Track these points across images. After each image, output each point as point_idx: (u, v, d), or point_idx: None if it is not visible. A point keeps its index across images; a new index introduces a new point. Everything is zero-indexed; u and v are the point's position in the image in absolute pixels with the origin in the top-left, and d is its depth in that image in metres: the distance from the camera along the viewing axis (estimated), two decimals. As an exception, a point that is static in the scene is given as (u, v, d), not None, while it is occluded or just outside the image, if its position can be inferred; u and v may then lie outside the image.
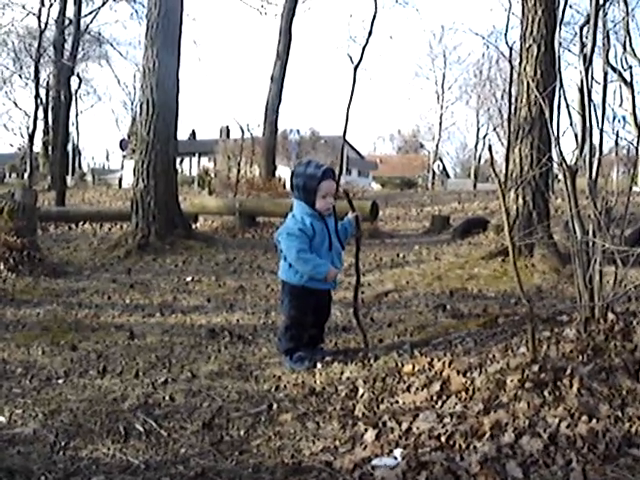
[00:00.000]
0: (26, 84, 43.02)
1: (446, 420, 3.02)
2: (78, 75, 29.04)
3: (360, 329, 4.59)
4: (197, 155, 38.81)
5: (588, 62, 3.90)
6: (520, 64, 8.61)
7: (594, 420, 2.80)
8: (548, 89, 5.79)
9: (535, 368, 3.27)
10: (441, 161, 52.32)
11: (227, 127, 40.40)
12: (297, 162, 4.47)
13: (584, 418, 2.81)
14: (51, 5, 34.09)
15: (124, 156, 34.73)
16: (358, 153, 62.39)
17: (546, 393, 3.08)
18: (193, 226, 12.36)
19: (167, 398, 3.78)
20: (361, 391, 3.68)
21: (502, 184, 3.65)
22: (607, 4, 4.22)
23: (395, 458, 2.76)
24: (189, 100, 76.62)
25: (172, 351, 4.82)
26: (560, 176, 3.88)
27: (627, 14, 4.19)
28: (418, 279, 7.48)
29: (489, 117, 47.89)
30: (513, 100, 12.03)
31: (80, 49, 32.14)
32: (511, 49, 24.26)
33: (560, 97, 4.05)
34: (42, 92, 39.41)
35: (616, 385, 3.07)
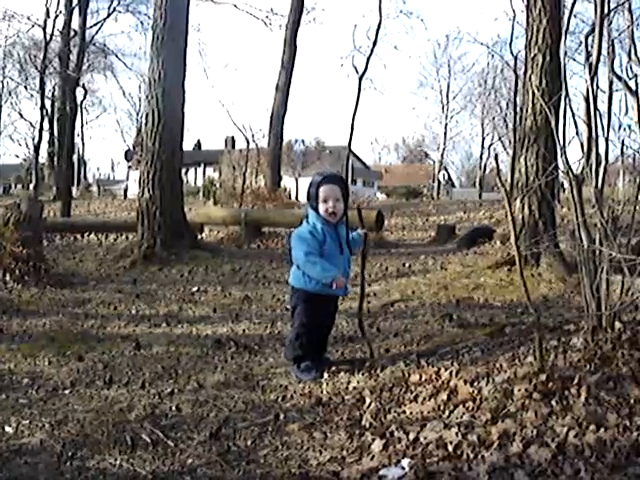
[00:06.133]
0: (31, 95, 43.20)
1: (453, 430, 3.01)
2: (83, 86, 29.13)
3: (365, 340, 4.60)
4: (202, 165, 38.88)
5: (593, 71, 3.90)
6: (525, 73, 8.62)
7: (602, 429, 2.78)
8: (554, 98, 5.79)
9: (542, 377, 3.26)
10: (446, 170, 52.27)
11: (232, 137, 40.50)
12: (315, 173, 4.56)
13: (592, 427, 2.80)
14: (56, 17, 34.26)
15: (129, 167, 34.92)
16: (363, 163, 62.50)
17: (554, 402, 3.07)
18: (198, 236, 12.36)
19: (174, 408, 3.78)
20: (368, 401, 3.68)
21: (508, 193, 3.65)
22: (612, 13, 4.23)
23: (402, 468, 2.76)
24: (194, 110, 76.76)
25: (178, 361, 4.82)
26: (566, 185, 3.88)
27: (632, 23, 4.20)
28: (424, 289, 7.47)
29: (494, 126, 47.90)
30: (518, 109, 12.05)
31: (85, 60, 32.24)
32: (516, 58, 24.33)
33: (566, 106, 4.05)
34: (47, 103, 39.51)
35: (624, 394, 3.06)
